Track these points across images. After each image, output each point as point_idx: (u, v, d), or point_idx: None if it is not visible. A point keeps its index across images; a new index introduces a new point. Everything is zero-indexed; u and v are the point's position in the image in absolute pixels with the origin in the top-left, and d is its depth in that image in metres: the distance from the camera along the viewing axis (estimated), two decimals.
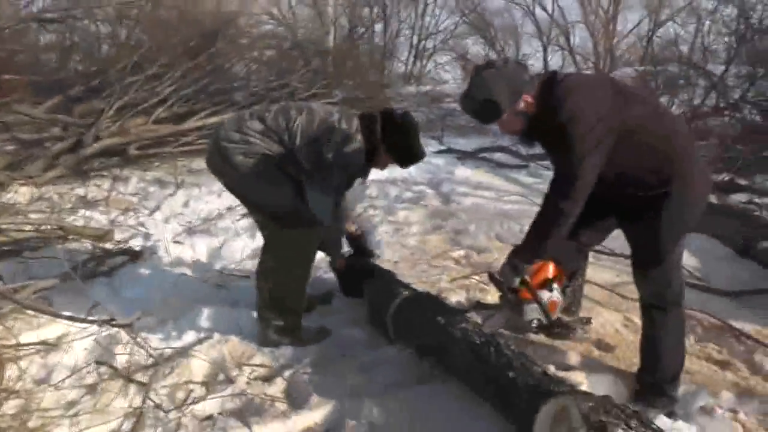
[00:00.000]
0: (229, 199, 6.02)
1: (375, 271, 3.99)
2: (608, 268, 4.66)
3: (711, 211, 3.44)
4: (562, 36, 20.05)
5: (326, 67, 10.38)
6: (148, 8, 8.98)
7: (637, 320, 3.38)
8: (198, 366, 3.21)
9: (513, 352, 2.76)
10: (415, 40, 20.12)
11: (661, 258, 2.85)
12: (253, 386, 3.07)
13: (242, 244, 5.11)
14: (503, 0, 21.57)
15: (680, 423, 2.76)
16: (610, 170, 2.69)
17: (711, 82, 9.68)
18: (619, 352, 3.46)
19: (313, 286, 4.19)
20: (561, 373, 2.97)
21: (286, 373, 3.17)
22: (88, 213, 5.75)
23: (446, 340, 3.01)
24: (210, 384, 3.10)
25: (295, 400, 2.96)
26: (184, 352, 3.32)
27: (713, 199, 5.89)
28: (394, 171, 7.98)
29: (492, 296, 4.07)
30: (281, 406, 2.91)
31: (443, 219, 6.10)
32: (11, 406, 2.84)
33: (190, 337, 3.50)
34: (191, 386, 3.06)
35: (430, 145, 10.10)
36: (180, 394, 2.99)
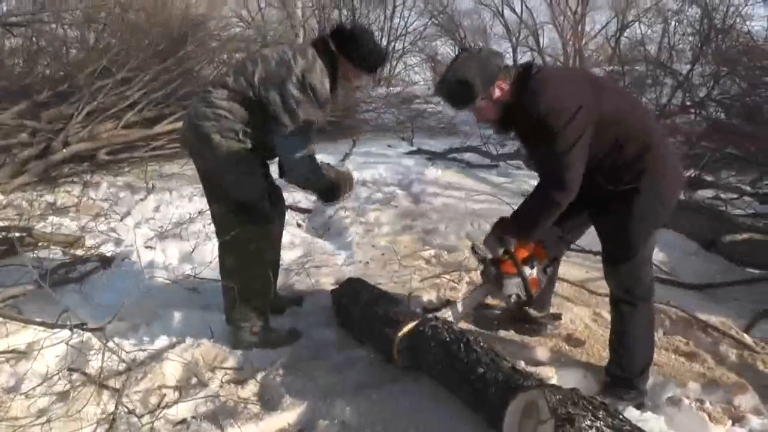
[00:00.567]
0: (201, 203, 6.00)
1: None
2: (577, 265, 4.72)
3: (678, 206, 3.48)
4: (531, 37, 20.14)
5: None
6: (116, 12, 8.88)
7: (607, 315, 3.45)
8: (171, 370, 3.20)
9: (482, 348, 2.79)
10: (384, 42, 20.12)
11: (632, 252, 2.87)
12: (226, 389, 3.07)
13: (213, 247, 5.05)
14: (472, 1, 21.71)
15: (648, 414, 2.81)
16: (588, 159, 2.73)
17: (677, 81, 9.83)
18: (588, 347, 3.51)
19: (284, 288, 4.22)
20: (530, 368, 3.02)
21: (259, 376, 3.17)
22: (57, 219, 5.69)
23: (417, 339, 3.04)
24: (183, 388, 3.09)
25: (268, 402, 2.97)
26: (156, 356, 3.31)
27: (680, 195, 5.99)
28: (363, 172, 8.06)
29: (463, 294, 4.11)
30: (254, 408, 2.91)
31: (414, 219, 6.13)
32: None
33: (162, 341, 3.49)
34: (164, 390, 3.05)
35: (400, 147, 10.17)
36: (153, 399, 2.99)
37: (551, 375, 3.08)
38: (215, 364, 3.31)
